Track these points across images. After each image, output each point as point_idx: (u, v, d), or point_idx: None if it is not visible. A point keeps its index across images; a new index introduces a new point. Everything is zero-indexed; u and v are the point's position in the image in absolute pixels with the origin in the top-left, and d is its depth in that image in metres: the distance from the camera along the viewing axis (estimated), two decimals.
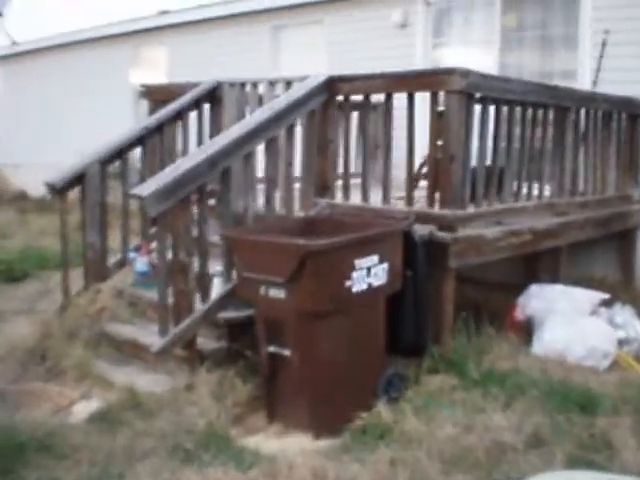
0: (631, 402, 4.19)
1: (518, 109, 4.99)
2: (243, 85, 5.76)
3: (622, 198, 6.43)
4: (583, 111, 5.70)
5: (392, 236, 4.26)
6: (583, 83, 6.85)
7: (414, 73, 4.65)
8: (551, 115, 5.35)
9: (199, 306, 4.51)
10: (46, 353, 4.86)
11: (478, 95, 4.57)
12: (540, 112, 5.20)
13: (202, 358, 4.49)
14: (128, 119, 11.20)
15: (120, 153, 5.35)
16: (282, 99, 4.80)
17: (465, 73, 4.37)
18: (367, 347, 4.21)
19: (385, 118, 4.79)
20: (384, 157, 4.84)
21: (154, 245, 5.53)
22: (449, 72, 4.39)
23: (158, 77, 10.82)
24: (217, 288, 4.66)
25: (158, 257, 4.37)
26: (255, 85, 5.67)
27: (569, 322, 5.19)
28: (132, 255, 5.49)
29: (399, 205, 4.91)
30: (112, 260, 5.51)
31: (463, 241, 4.61)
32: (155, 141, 5.58)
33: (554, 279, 5.92)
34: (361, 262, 4.03)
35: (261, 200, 4.88)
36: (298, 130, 4.92)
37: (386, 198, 4.86)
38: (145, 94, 6.38)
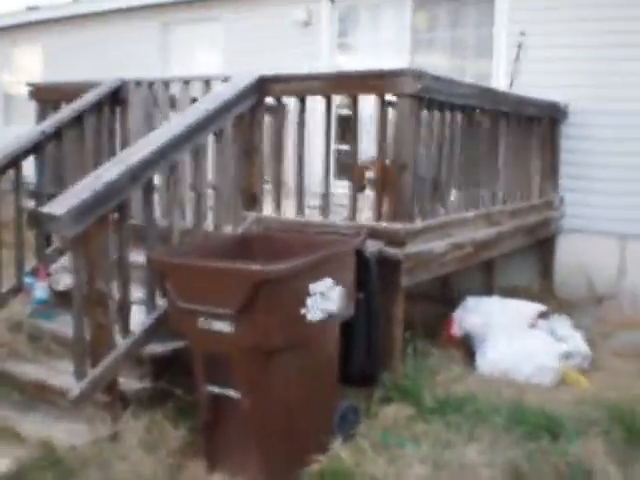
0: (596, 423, 3.98)
1: (459, 114, 4.69)
2: (152, 84, 5.13)
3: (545, 204, 6.31)
4: (511, 116, 5.50)
5: (346, 255, 3.82)
6: (498, 87, 6.68)
7: (358, 74, 4.22)
8: (486, 120, 5.09)
9: (120, 340, 3.88)
10: None
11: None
12: (478, 117, 4.93)
13: (125, 401, 3.88)
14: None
15: (14, 161, 4.59)
16: (209, 101, 4.25)
17: (418, 75, 4.01)
18: (322, 381, 3.75)
19: (326, 123, 4.34)
20: (324, 165, 4.39)
21: (53, 267, 4.82)
22: (400, 74, 4.02)
23: (32, 78, 9.84)
24: (139, 319, 4.04)
25: (74, 286, 3.71)
26: (167, 85, 5.05)
27: (512, 338, 4.97)
28: (29, 281, 4.74)
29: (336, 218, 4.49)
30: (5, 286, 4.73)
31: (413, 257, 4.24)
32: (52, 148, 4.85)
33: (488, 291, 5.71)
34: (315, 287, 3.56)
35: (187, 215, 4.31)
36: (227, 136, 4.38)
37: (325, 211, 4.42)
38: (33, 94, 5.61)
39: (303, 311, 3.49)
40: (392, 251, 4.11)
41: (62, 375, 4.08)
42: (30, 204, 4.91)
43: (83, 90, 5.20)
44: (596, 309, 6.23)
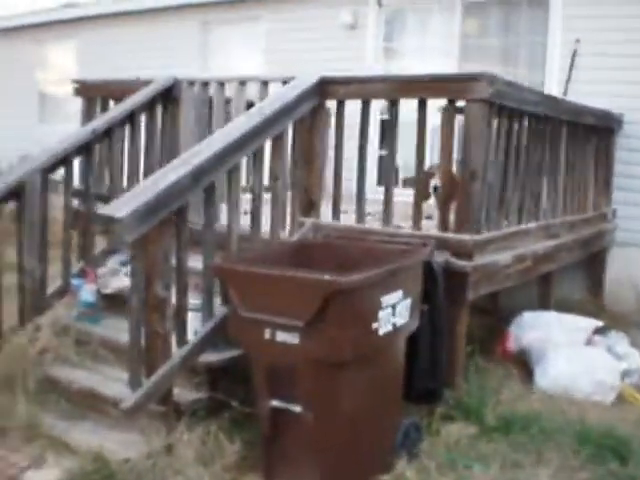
0: None
1: (526, 121, 4.51)
2: (206, 84, 4.98)
3: (599, 217, 6.11)
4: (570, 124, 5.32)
5: (415, 267, 3.64)
6: None
7: (429, 77, 4.05)
8: (549, 128, 4.91)
9: (175, 350, 3.72)
10: None
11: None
12: (544, 125, 4.75)
13: (179, 412, 3.72)
14: (33, 123, 10.08)
15: (64, 160, 4.45)
16: (271, 103, 4.09)
17: (492, 79, 3.84)
18: (387, 396, 3.57)
19: (390, 128, 4.17)
20: (385, 172, 4.22)
21: (101, 270, 4.68)
22: (474, 78, 3.83)
23: (66, 76, 9.76)
24: (194, 326, 3.89)
25: (132, 291, 3.56)
26: (222, 84, 4.90)
27: (571, 354, 4.78)
28: (76, 283, 4.60)
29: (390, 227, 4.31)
30: (51, 287, 4.59)
31: (480, 270, 4.06)
32: (103, 147, 4.72)
33: (541, 305, 5.52)
34: (387, 299, 3.39)
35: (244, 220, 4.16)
36: (286, 139, 4.22)
37: (387, 219, 4.25)
38: (79, 91, 5.49)
39: (375, 324, 3.32)
40: (459, 263, 3.93)
41: (112, 383, 3.95)
42: (75, 204, 4.79)
43: (131, 88, 5.07)
44: None
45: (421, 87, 4.02)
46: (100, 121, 4.68)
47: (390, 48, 7.63)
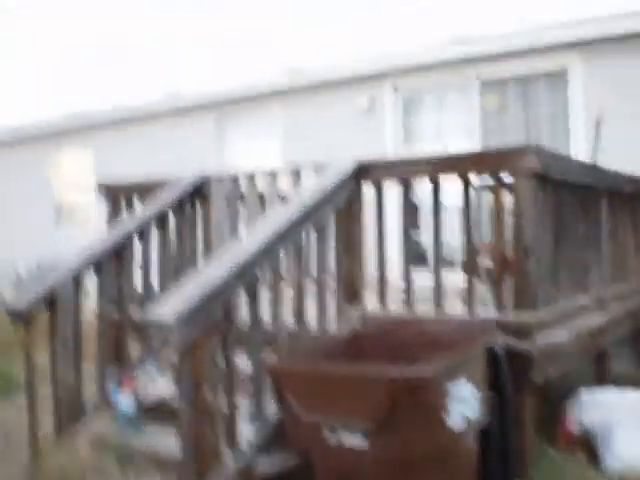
0: None
1: (570, 192, 4.36)
2: (236, 179, 4.88)
3: None
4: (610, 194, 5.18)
5: (481, 353, 3.42)
6: None
7: (472, 154, 3.93)
8: (592, 198, 4.77)
9: (230, 461, 3.46)
10: None
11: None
12: (587, 195, 4.61)
13: None
14: (49, 228, 10.03)
15: (97, 265, 4.30)
16: (309, 193, 3.95)
17: (538, 151, 3.71)
18: None
19: (434, 209, 4.02)
20: (434, 256, 4.05)
21: (137, 376, 4.44)
22: (521, 151, 3.70)
23: (83, 181, 9.81)
24: (245, 433, 3.64)
25: (180, 400, 3.33)
26: (252, 178, 4.79)
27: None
28: (114, 393, 4.36)
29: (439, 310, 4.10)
30: (86, 397, 4.36)
31: (543, 351, 3.82)
32: (133, 250, 4.57)
33: (601, 381, 5.24)
34: (456, 390, 3.15)
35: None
36: (326, 229, 4.07)
37: (439, 304, 4.05)
38: (104, 193, 5.38)
39: (445, 418, 3.08)
40: (522, 345, 3.70)
41: None
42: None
43: (156, 187, 4.96)
44: None
45: (463, 164, 3.89)
46: (130, 223, 4.54)
47: (409, 129, 7.60)
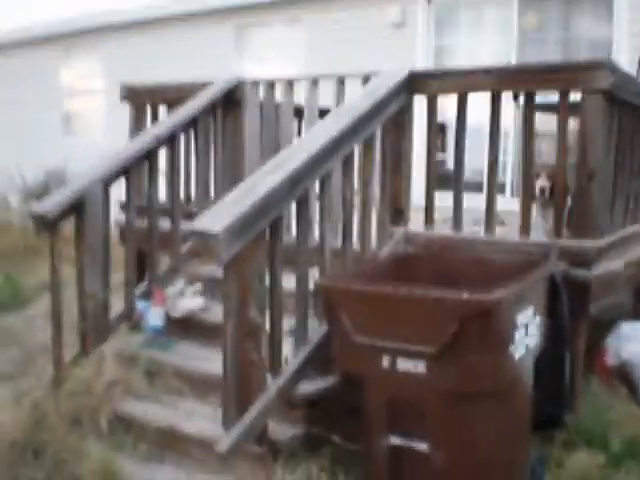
0: None
1: (630, 116, 4.09)
2: (272, 84, 4.57)
3: None
4: None
5: (543, 280, 3.21)
6: None
7: (541, 66, 3.63)
8: None
9: (270, 381, 3.30)
10: (42, 448, 3.50)
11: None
12: None
13: (275, 451, 3.28)
14: (58, 136, 9.68)
15: (125, 170, 4.03)
16: (361, 101, 3.67)
17: (613, 67, 3.42)
18: (519, 429, 3.14)
19: (492, 126, 3.75)
20: (488, 177, 3.80)
21: (169, 290, 4.24)
22: (594, 66, 3.41)
23: (95, 85, 9.41)
24: (286, 353, 3.47)
25: (226, 317, 3.13)
26: (291, 84, 4.48)
27: None
28: (141, 306, 4.17)
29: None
30: (114, 311, 4.16)
31: (601, 279, 3.63)
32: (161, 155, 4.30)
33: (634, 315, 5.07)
34: (521, 318, 2.96)
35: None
36: (375, 142, 3.81)
37: (490, 225, 3.82)
38: (128, 97, 5.06)
39: (512, 348, 2.90)
40: (582, 273, 3.50)
41: (194, 419, 3.54)
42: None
43: (184, 92, 4.65)
44: None
45: (530, 78, 3.59)
46: (162, 127, 4.25)
47: (441, 46, 7.22)
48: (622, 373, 4.60)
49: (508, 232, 4.38)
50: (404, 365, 2.88)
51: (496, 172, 3.81)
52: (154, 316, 4.11)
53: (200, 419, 3.54)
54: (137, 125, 4.97)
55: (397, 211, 4.04)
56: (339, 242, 3.67)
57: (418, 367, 2.85)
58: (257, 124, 4.60)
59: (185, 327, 4.16)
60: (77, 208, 3.83)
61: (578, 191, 3.55)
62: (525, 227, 3.73)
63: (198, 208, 4.49)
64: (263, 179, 3.16)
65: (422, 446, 2.91)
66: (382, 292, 2.92)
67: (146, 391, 3.79)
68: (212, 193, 4.71)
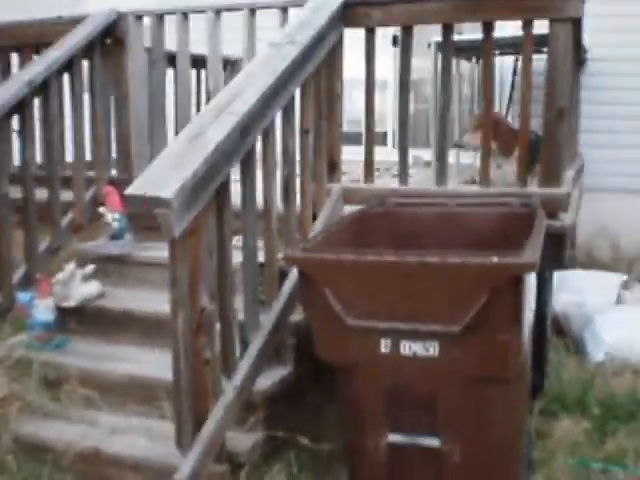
0: None
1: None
2: (161, 17, 3.77)
3: None
4: None
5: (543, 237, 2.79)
6: None
7: None
8: None
9: (225, 382, 2.65)
10: None
11: None
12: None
13: (235, 466, 2.66)
14: None
15: None
16: (299, 30, 3.03)
17: None
18: (523, 406, 2.74)
19: (444, 63, 3.27)
20: (441, 120, 3.33)
21: (58, 278, 3.40)
22: None
23: None
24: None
25: (175, 307, 2.42)
26: (185, 16, 3.71)
27: (623, 318, 4.20)
28: (24, 297, 3.31)
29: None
30: None
31: (571, 228, 3.31)
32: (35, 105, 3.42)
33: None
34: (529, 280, 2.54)
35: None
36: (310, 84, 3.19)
37: (441, 178, 3.36)
38: None
39: (530, 317, 2.47)
40: (557, 223, 3.14)
41: (118, 436, 2.81)
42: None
43: (55, 30, 3.74)
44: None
45: (491, 6, 3.13)
46: (34, 71, 3.33)
47: None
48: (556, 324, 4.40)
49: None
50: (410, 349, 2.37)
51: (446, 118, 3.32)
52: (42, 309, 3.27)
53: (126, 435, 2.83)
54: None
55: (331, 163, 3.47)
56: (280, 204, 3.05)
57: (429, 350, 2.35)
58: (144, 68, 3.81)
59: (82, 319, 3.37)
60: None
61: (546, 133, 3.16)
62: (486, 178, 3.30)
63: (74, 173, 3.70)
64: (207, 128, 2.47)
65: (432, 442, 2.43)
66: (384, 261, 2.35)
67: (50, 406, 2.99)
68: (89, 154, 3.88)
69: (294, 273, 2.98)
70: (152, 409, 2.94)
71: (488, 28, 3.16)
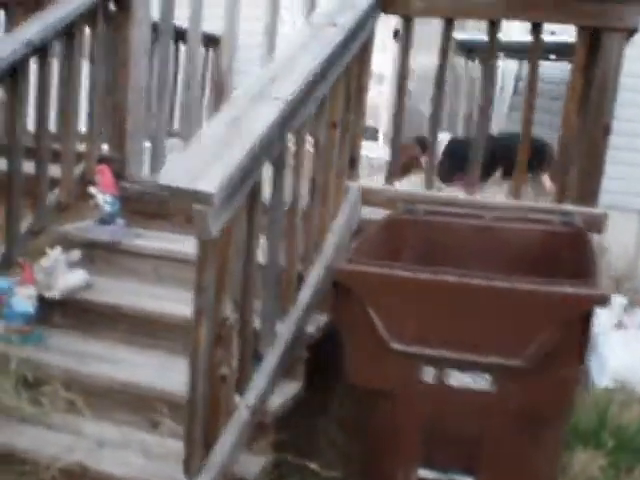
0: None
1: None
2: None
3: None
4: None
5: None
6: None
7: None
8: None
9: (239, 399, 2.36)
10: None
11: None
12: None
13: None
14: None
15: None
16: (340, 12, 2.74)
17: None
18: (562, 446, 2.53)
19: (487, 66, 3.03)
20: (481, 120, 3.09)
21: (42, 264, 3.04)
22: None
23: None
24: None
25: (199, 315, 2.10)
26: None
27: (623, 342, 4.09)
28: (2, 284, 2.93)
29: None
30: None
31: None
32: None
33: None
34: None
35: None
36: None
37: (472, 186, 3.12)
38: None
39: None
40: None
41: (107, 450, 2.50)
42: None
43: None
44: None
45: (542, 4, 2.89)
46: (32, 31, 2.95)
47: None
48: None
49: None
50: (457, 380, 2.13)
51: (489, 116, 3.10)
52: (21, 298, 2.91)
53: (117, 450, 2.52)
54: None
55: (351, 160, 3.19)
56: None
57: (480, 383, 2.12)
58: (147, 38, 3.47)
59: (65, 312, 3.03)
60: None
61: (590, 149, 2.96)
62: (518, 190, 3.07)
63: (63, 146, 3.35)
64: (251, 109, 2.17)
65: None
66: (441, 281, 2.10)
67: (29, 409, 2.64)
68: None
69: (313, 277, 2.72)
70: (143, 420, 2.64)
71: (537, 29, 2.93)
